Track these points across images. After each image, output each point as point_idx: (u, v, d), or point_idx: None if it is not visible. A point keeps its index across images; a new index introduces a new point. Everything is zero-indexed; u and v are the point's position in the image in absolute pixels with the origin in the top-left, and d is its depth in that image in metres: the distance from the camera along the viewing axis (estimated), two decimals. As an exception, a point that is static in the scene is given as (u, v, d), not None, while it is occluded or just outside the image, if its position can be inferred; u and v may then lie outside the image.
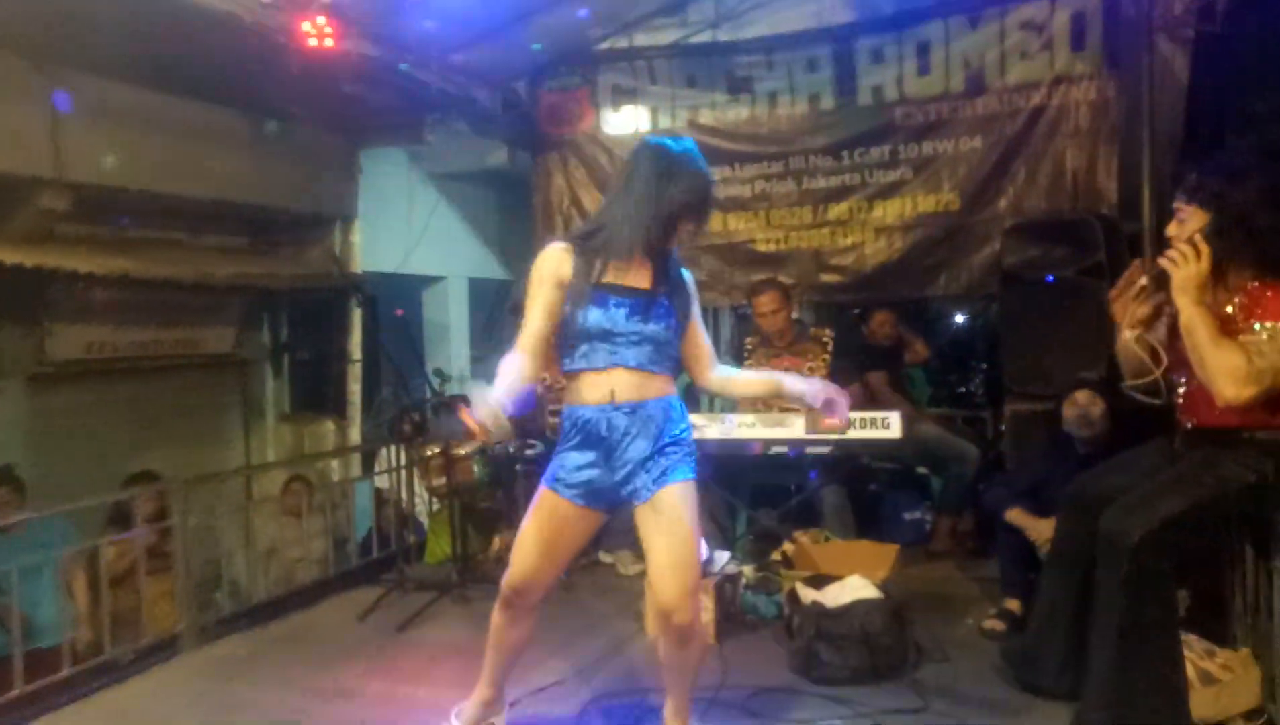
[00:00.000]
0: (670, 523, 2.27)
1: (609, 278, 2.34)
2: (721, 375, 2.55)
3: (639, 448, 2.32)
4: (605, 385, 2.34)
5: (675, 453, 2.34)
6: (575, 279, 2.34)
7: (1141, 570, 2.35)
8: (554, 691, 3.01)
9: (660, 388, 2.38)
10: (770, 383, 2.56)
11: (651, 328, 2.35)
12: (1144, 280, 2.63)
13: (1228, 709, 2.56)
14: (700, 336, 2.49)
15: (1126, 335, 2.67)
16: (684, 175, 2.29)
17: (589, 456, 2.37)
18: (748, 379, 2.68)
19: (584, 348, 2.35)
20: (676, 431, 2.37)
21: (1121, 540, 2.38)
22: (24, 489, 4.20)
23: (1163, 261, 2.51)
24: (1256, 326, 2.40)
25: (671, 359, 2.42)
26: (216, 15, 3.92)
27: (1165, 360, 2.59)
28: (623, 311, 2.33)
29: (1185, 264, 2.45)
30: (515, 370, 2.28)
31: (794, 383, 2.50)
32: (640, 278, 2.36)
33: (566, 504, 2.39)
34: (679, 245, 2.41)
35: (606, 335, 2.33)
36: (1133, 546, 2.35)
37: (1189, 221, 2.53)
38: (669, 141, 2.37)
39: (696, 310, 2.47)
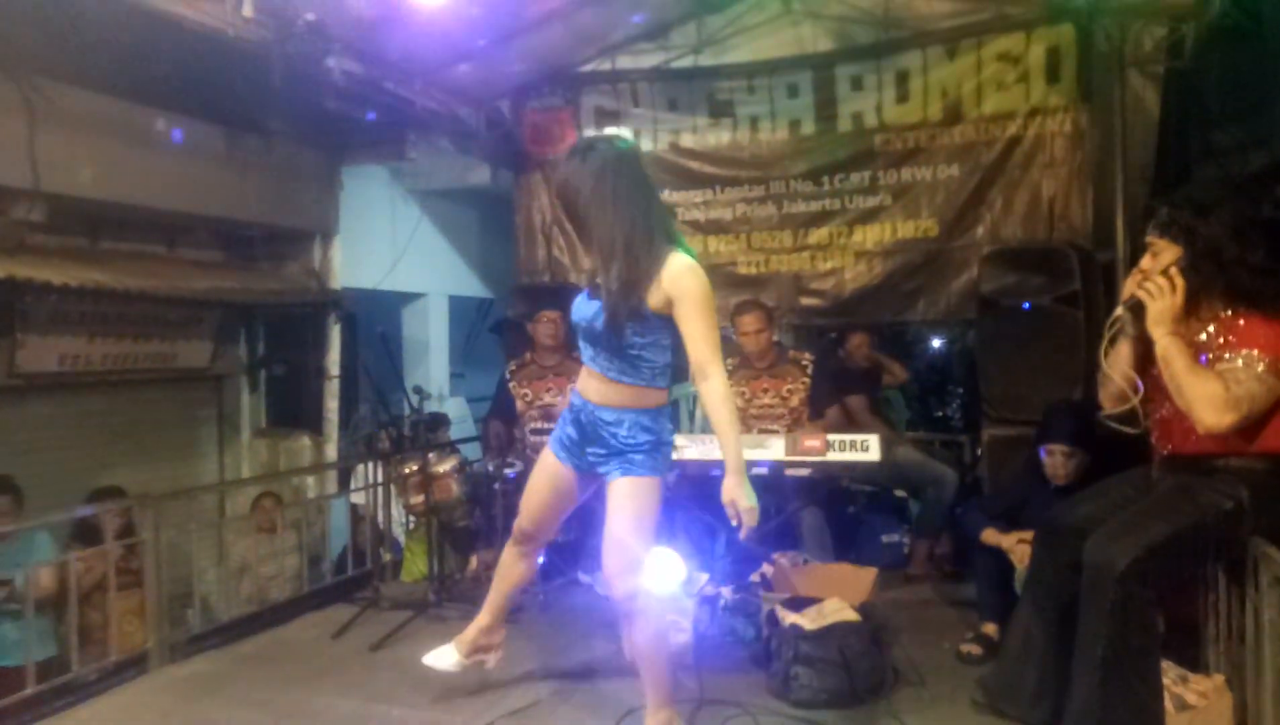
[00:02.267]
0: (609, 510, 2.56)
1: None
2: (704, 390, 2.47)
3: (605, 441, 2.57)
4: (581, 377, 2.66)
5: (639, 452, 2.53)
6: None
7: (1128, 598, 2.38)
8: (530, 712, 2.98)
9: (626, 398, 2.53)
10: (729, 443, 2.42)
11: (606, 336, 2.49)
12: (1120, 311, 2.69)
13: (1202, 735, 2.58)
14: (684, 337, 2.44)
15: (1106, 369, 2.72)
16: None
17: (572, 429, 2.67)
18: (716, 413, 2.46)
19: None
20: (638, 439, 2.53)
21: (1108, 569, 2.40)
22: (22, 498, 4.13)
23: (1139, 293, 2.58)
24: (1228, 356, 2.46)
25: (635, 368, 2.51)
26: (198, 30, 3.91)
27: (1141, 391, 2.64)
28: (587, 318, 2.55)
29: (1161, 296, 2.52)
30: None
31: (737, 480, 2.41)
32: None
33: (551, 457, 2.73)
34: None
35: (575, 328, 2.64)
36: (1119, 575, 2.37)
37: (1162, 255, 2.60)
38: None
39: (685, 312, 2.40)
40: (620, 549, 2.53)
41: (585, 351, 2.61)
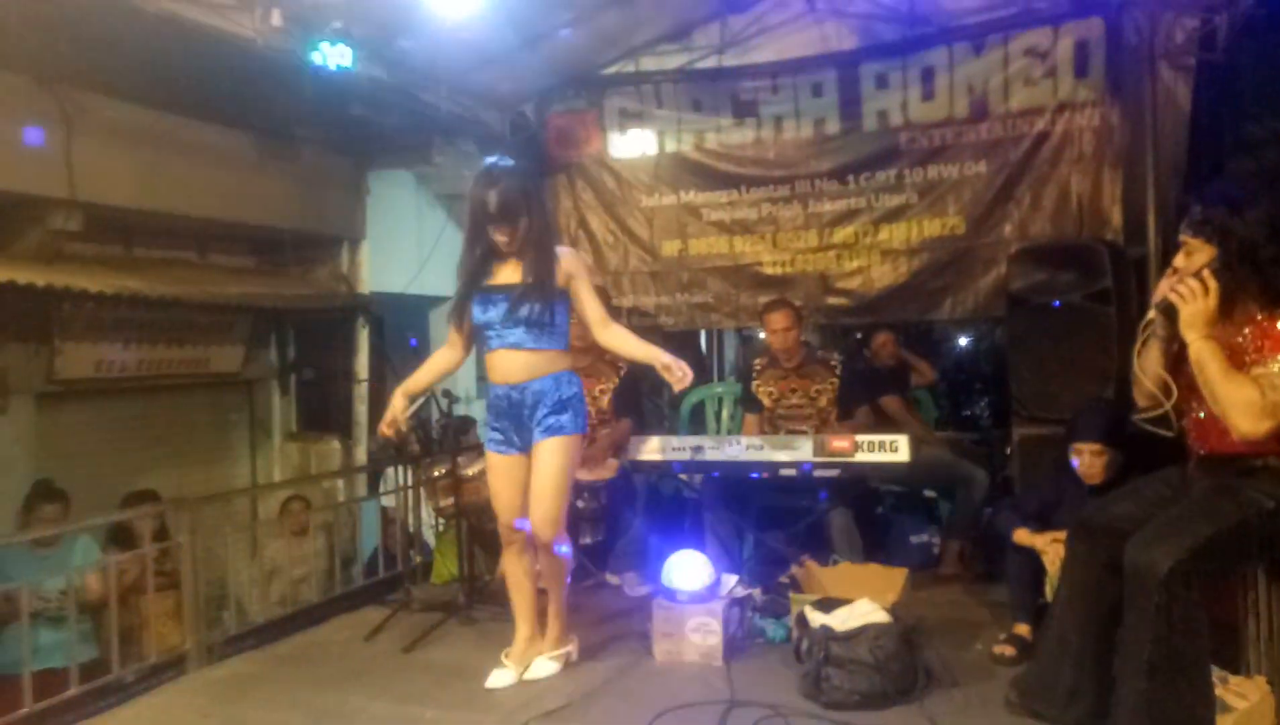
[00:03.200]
0: (538, 467, 3.04)
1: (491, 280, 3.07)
2: (609, 337, 3.14)
3: (534, 409, 3.05)
4: (498, 366, 3.08)
5: (564, 413, 3.02)
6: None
7: (1172, 601, 2.32)
8: (562, 714, 2.99)
9: (548, 362, 3.04)
10: (644, 350, 3.12)
11: (531, 314, 2.98)
12: (1152, 314, 2.64)
13: (1243, 737, 2.54)
14: (582, 306, 3.10)
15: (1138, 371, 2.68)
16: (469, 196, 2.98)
17: (505, 421, 3.11)
18: (626, 341, 3.19)
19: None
20: (564, 397, 3.04)
21: (1151, 572, 2.35)
22: (70, 505, 4.21)
23: (1171, 296, 2.52)
24: (1265, 360, 2.40)
25: (549, 334, 3.03)
26: (228, 39, 3.97)
27: (1175, 393, 2.59)
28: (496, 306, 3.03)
29: (1193, 299, 2.46)
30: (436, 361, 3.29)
31: (659, 353, 3.08)
32: (512, 275, 3.04)
33: (497, 457, 3.14)
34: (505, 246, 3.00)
35: (488, 325, 3.05)
36: (1163, 578, 2.33)
37: (1196, 255, 2.54)
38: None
39: (579, 286, 3.08)
40: (547, 502, 3.00)
41: (506, 338, 3.02)
